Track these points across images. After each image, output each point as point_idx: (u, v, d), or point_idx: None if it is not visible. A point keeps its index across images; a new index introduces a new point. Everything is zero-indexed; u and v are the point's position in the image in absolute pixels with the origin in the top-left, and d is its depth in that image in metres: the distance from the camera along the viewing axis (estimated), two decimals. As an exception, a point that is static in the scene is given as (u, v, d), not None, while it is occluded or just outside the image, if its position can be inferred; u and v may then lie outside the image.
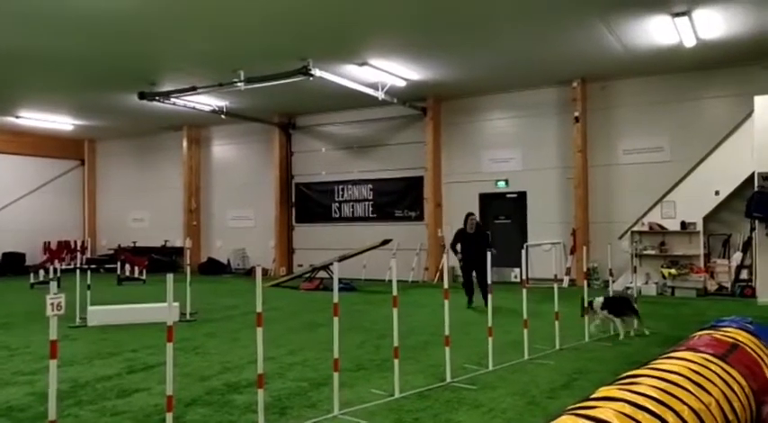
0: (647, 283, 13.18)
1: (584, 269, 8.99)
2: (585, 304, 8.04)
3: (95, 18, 9.86)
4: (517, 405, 5.16)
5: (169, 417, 3.95)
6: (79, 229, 22.60)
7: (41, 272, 15.66)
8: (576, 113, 14.34)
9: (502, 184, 15.73)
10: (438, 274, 15.78)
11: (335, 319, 4.96)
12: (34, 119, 18.17)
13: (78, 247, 21.11)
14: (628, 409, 2.88)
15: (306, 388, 5.73)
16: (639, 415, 2.86)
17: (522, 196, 15.53)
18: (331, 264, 14.08)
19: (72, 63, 12.52)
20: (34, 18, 9.81)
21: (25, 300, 13.33)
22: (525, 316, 6.86)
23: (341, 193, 18.16)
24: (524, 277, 8.21)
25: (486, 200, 15.96)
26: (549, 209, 15.09)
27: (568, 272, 14.57)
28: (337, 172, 18.16)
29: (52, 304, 3.53)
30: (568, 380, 5.96)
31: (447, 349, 5.89)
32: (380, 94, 13.99)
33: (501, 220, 15.92)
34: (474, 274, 11.07)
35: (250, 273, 18.63)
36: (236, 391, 5.69)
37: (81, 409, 5.15)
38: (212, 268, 19.15)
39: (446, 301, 5.90)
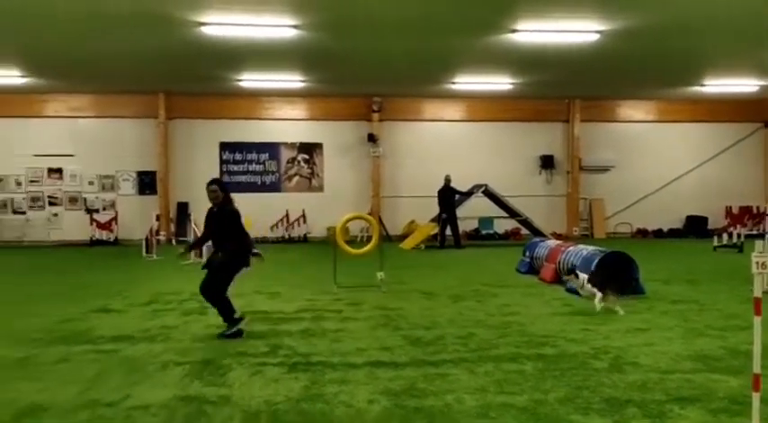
0: None
1: None
2: None
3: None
4: None
5: None
6: (760, 193, 21.70)
7: (724, 235, 15.93)
8: None
9: None
10: None
11: None
12: (717, 85, 18.46)
13: (761, 212, 20.38)
14: None
15: None
16: None
17: None
18: None
19: None
20: None
21: (709, 260, 13.92)
22: None
23: None
24: None
25: None
26: None
27: None
28: None
29: (757, 263, 3.66)
30: None
31: None
32: None
33: None
34: None
35: None
36: None
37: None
38: None
39: None
